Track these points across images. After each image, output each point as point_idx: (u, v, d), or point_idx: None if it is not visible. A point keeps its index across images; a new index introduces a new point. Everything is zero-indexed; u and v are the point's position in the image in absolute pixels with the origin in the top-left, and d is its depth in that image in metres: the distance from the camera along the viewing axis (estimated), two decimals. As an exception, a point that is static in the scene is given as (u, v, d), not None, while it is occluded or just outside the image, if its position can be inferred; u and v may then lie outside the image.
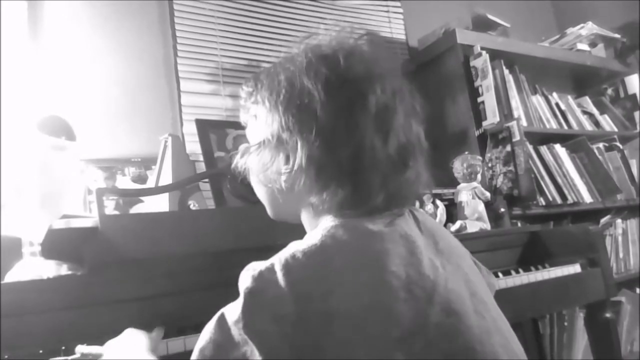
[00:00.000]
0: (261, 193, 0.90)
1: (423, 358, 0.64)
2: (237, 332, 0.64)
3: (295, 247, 0.69)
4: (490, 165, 2.30)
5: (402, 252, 0.71)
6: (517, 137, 2.24)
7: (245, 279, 0.67)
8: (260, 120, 0.84)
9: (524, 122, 2.44)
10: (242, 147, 0.89)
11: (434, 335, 0.66)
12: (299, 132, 0.76)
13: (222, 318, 0.67)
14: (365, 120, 0.75)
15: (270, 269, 0.66)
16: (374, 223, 0.73)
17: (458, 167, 1.97)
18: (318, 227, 0.75)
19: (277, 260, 0.67)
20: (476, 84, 2.37)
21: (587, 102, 3.04)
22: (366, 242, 0.71)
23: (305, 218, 0.84)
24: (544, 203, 2.36)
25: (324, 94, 0.74)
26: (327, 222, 0.75)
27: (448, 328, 0.67)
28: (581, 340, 2.26)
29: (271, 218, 0.93)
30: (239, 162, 0.88)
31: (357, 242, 0.70)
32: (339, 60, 0.77)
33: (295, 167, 0.76)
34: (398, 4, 2.80)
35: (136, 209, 1.67)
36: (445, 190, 1.98)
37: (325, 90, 0.75)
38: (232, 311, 0.66)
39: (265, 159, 0.82)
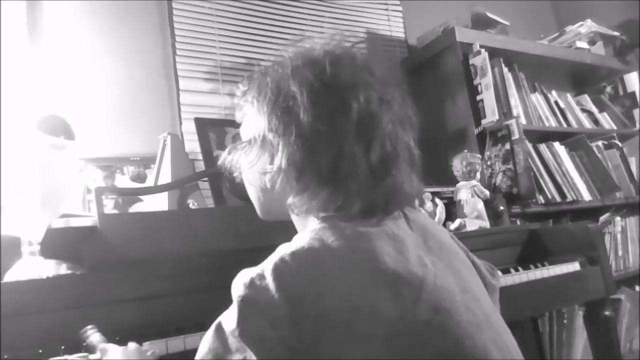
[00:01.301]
0: (249, 191, 0.92)
1: (413, 355, 0.65)
2: (234, 340, 0.65)
3: (283, 251, 0.70)
4: (489, 163, 2.30)
5: (390, 251, 0.72)
6: (516, 135, 2.24)
7: (238, 287, 0.68)
8: (250, 119, 0.86)
9: (523, 120, 2.44)
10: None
11: (423, 332, 0.67)
12: (281, 134, 0.78)
13: (219, 327, 0.68)
14: (346, 127, 0.76)
15: (261, 275, 0.67)
16: (361, 224, 0.75)
17: (457, 165, 1.97)
18: (306, 228, 0.77)
19: (267, 265, 0.68)
20: (475, 82, 2.37)
21: (586, 100, 3.03)
22: (353, 243, 0.72)
23: (294, 218, 0.86)
24: (543, 201, 2.36)
25: (307, 99, 0.76)
26: (315, 224, 0.76)
27: (437, 325, 0.68)
28: (580, 338, 2.26)
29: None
30: (227, 159, 0.89)
31: (345, 243, 0.71)
32: (326, 66, 0.79)
33: (276, 168, 0.78)
34: (397, 2, 2.80)
35: (135, 208, 1.67)
36: (445, 189, 1.99)
37: (309, 95, 0.76)
38: (229, 320, 0.67)
39: (251, 157, 0.84)
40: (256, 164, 0.83)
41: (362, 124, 0.76)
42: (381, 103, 0.79)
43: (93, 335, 0.89)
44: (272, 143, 0.79)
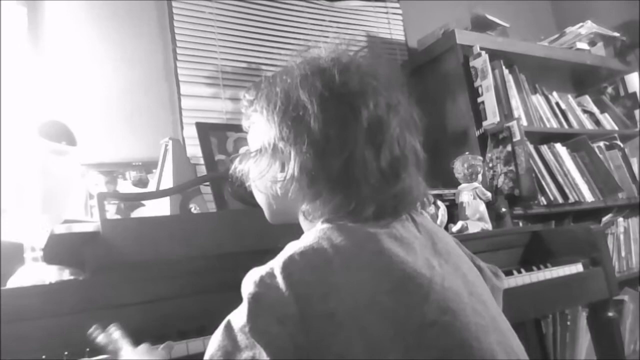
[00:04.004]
0: (259, 198, 0.93)
1: (420, 355, 0.66)
2: (243, 337, 0.65)
3: (292, 249, 0.71)
4: (491, 165, 2.30)
5: (399, 252, 0.72)
6: (517, 136, 2.24)
7: (248, 285, 0.69)
8: (259, 128, 0.87)
9: (524, 122, 2.44)
10: (241, 152, 0.91)
11: (431, 333, 0.67)
12: (292, 143, 0.79)
13: (228, 325, 0.68)
14: (357, 133, 0.77)
15: (271, 274, 0.68)
16: (370, 225, 0.75)
17: (459, 167, 1.97)
18: (314, 228, 0.77)
19: (276, 264, 0.69)
20: (476, 84, 2.37)
21: (588, 101, 3.03)
22: (362, 243, 0.73)
23: (303, 223, 0.86)
24: (545, 202, 2.36)
25: (318, 107, 0.77)
26: (323, 224, 0.77)
27: (444, 326, 0.68)
28: (584, 339, 2.26)
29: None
30: (237, 167, 0.91)
31: (353, 243, 0.72)
32: (334, 74, 0.80)
33: (289, 176, 0.79)
34: (397, 5, 2.81)
35: (137, 213, 1.67)
36: (446, 191, 1.98)
37: (319, 103, 0.78)
38: (238, 317, 0.68)
39: (262, 166, 0.85)
40: (267, 173, 0.84)
41: (371, 129, 0.78)
42: (389, 108, 0.80)
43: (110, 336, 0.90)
44: (284, 152, 0.80)
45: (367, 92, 0.79)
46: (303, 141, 0.77)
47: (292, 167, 0.78)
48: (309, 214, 0.81)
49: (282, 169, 0.81)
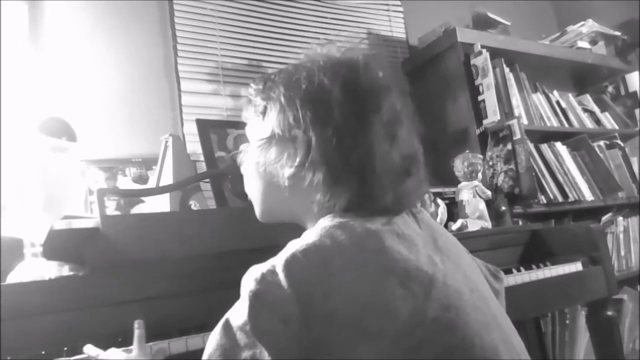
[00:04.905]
0: (257, 190, 0.90)
1: (422, 353, 0.65)
2: (243, 336, 0.64)
3: (294, 247, 0.69)
4: (491, 163, 2.30)
5: (400, 250, 0.72)
6: (517, 135, 2.24)
7: (249, 282, 0.67)
8: (271, 115, 0.84)
9: (524, 120, 2.44)
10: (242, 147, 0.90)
11: (433, 330, 0.67)
12: (312, 128, 0.77)
13: (227, 323, 0.67)
14: (377, 124, 0.78)
15: (272, 271, 0.67)
16: (371, 222, 0.75)
17: (459, 165, 1.97)
18: (316, 226, 0.76)
19: (278, 261, 0.68)
20: (477, 82, 2.36)
21: (588, 99, 3.03)
22: (364, 241, 0.72)
23: (305, 217, 0.85)
24: (545, 201, 2.36)
25: (341, 93, 0.78)
26: (325, 222, 0.75)
27: (446, 323, 0.68)
28: (583, 338, 2.26)
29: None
30: (245, 156, 0.90)
31: (355, 241, 0.71)
32: (358, 66, 0.81)
33: (307, 164, 0.78)
34: (398, 2, 2.80)
35: (137, 210, 1.67)
36: (446, 189, 1.98)
37: (343, 90, 0.78)
38: (237, 315, 0.66)
39: (272, 154, 0.82)
40: (277, 162, 0.81)
41: (390, 123, 0.79)
42: (402, 109, 0.82)
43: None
44: (299, 138, 0.78)
45: (387, 89, 0.81)
46: (324, 127, 0.77)
47: (311, 154, 0.77)
48: (319, 204, 0.79)
49: (294, 158, 0.79)
